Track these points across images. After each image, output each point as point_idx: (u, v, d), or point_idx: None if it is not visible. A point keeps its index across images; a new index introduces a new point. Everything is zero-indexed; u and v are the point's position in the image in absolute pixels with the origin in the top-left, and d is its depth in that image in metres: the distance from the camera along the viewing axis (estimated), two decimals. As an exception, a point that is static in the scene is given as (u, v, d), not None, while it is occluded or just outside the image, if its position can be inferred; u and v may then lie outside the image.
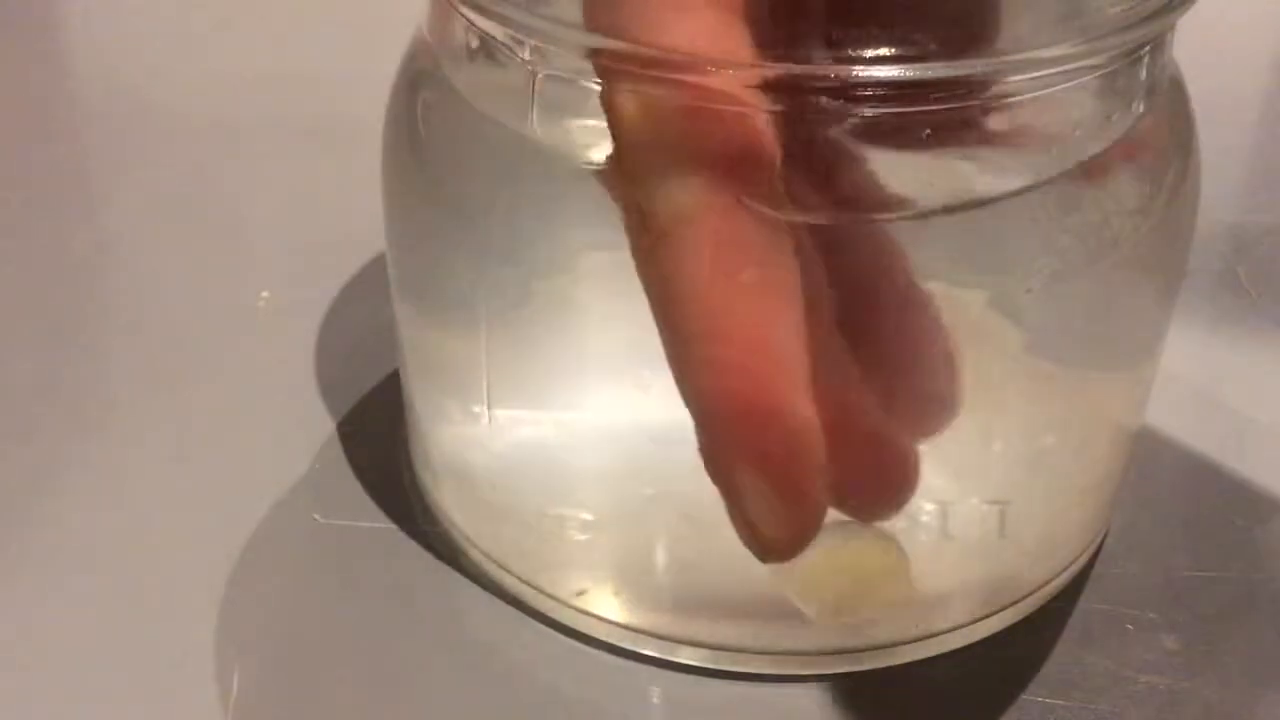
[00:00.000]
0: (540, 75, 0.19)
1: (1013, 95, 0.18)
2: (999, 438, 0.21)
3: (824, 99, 0.17)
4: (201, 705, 0.21)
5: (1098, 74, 0.19)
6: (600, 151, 0.19)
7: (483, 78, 0.21)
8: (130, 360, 0.29)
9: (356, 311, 0.30)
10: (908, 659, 0.22)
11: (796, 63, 0.17)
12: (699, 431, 0.17)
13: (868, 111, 0.17)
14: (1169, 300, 0.23)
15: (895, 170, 0.19)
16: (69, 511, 0.25)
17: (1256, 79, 0.43)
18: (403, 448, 0.26)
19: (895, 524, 0.21)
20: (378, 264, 0.30)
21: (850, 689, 0.22)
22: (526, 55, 0.19)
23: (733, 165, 0.17)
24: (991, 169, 0.19)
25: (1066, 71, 0.19)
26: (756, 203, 0.17)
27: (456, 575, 0.24)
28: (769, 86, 0.17)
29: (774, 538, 0.18)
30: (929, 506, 0.21)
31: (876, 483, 0.20)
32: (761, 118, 0.17)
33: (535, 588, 0.23)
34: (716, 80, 0.17)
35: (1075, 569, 0.24)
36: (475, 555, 0.24)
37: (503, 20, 0.19)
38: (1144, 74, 0.20)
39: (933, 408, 0.20)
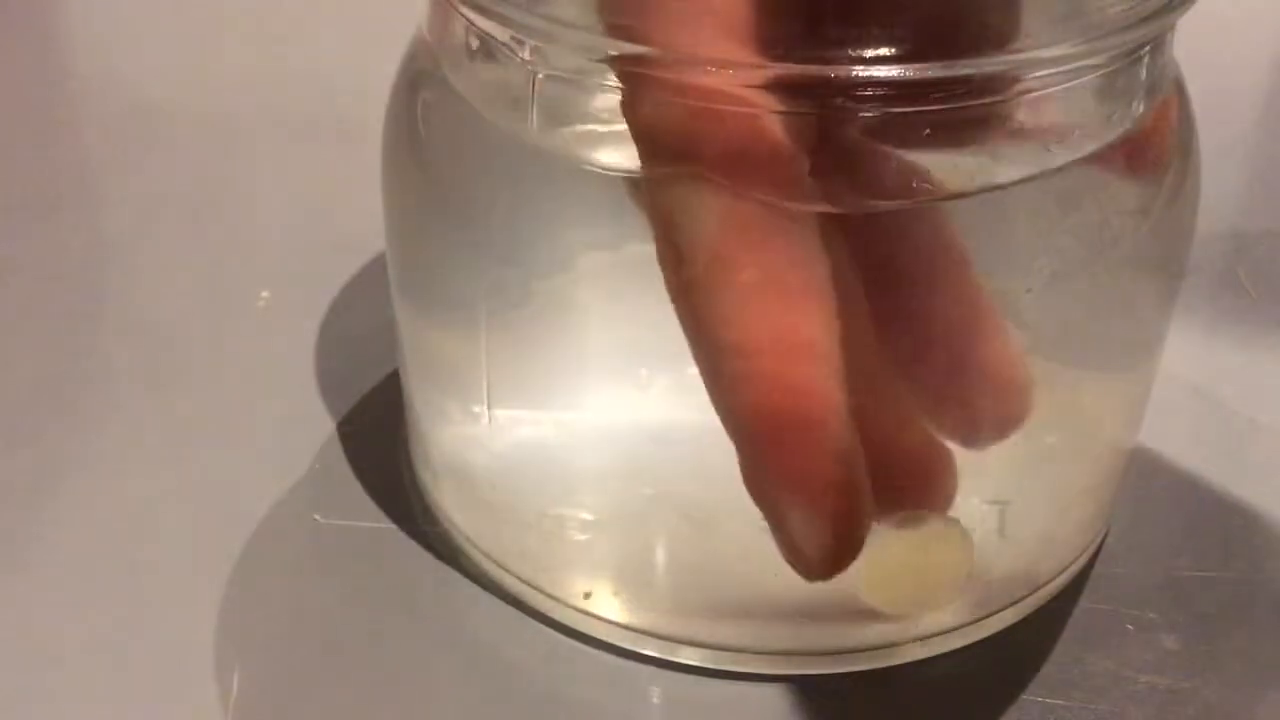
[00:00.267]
0: (540, 75, 0.19)
1: (1013, 95, 0.18)
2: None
3: (841, 99, 0.17)
4: (201, 705, 0.21)
5: (1098, 73, 0.19)
6: (600, 152, 0.19)
7: (483, 78, 0.21)
8: (130, 360, 0.29)
9: (356, 311, 0.30)
10: (907, 659, 0.22)
11: (796, 63, 0.17)
12: (739, 454, 0.17)
13: (867, 111, 0.18)
14: (1169, 300, 0.23)
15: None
16: (69, 511, 0.25)
17: (1256, 79, 0.43)
18: (403, 448, 0.26)
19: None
20: (378, 264, 0.30)
21: (850, 689, 0.22)
22: (526, 55, 0.19)
23: (753, 168, 0.17)
24: (991, 168, 0.19)
25: (1067, 71, 0.19)
26: (780, 200, 0.17)
27: (457, 575, 0.24)
28: (780, 87, 0.17)
29: (818, 559, 0.17)
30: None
31: (919, 484, 0.20)
32: (776, 119, 0.17)
33: (535, 588, 0.23)
34: (720, 80, 0.17)
35: (1075, 569, 0.24)
36: (475, 555, 0.24)
37: (503, 20, 0.19)
38: (1144, 74, 0.20)
39: (995, 407, 0.19)
